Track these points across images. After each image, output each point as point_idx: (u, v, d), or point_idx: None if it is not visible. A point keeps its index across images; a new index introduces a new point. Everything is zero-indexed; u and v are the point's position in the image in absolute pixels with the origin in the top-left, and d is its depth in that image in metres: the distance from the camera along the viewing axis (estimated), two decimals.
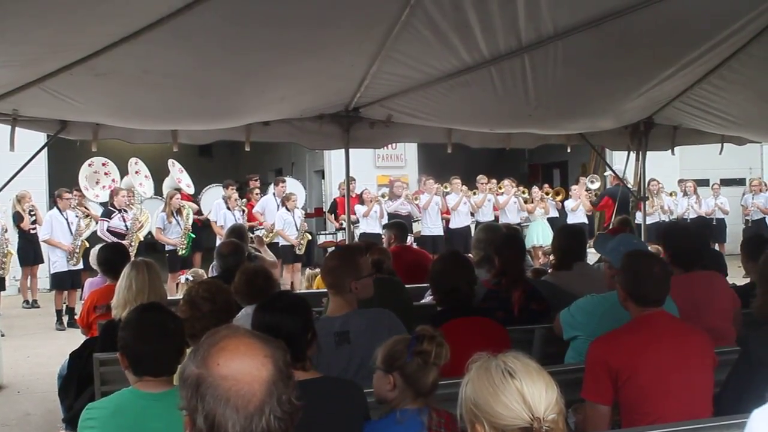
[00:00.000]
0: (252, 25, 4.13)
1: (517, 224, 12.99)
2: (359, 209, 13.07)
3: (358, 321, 3.47)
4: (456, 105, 6.16)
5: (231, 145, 15.32)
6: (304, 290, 8.18)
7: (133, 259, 5.16)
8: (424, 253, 8.36)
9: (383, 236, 8.02)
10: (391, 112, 6.60)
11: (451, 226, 13.90)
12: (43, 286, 12.64)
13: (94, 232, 10.89)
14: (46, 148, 7.18)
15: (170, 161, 13.19)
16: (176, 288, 9.93)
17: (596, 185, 15.31)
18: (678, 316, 3.53)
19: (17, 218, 11.00)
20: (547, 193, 15.06)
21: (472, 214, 14.13)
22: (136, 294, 4.15)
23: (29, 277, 11.71)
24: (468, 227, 13.78)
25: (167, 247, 11.37)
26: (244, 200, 12.83)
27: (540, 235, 14.13)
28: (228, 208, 12.02)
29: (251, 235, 9.95)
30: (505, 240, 5.06)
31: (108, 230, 10.60)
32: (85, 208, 11.41)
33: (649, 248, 5.18)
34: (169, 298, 4.97)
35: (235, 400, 1.47)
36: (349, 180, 8.26)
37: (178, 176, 13.50)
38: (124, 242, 9.74)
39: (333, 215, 14.56)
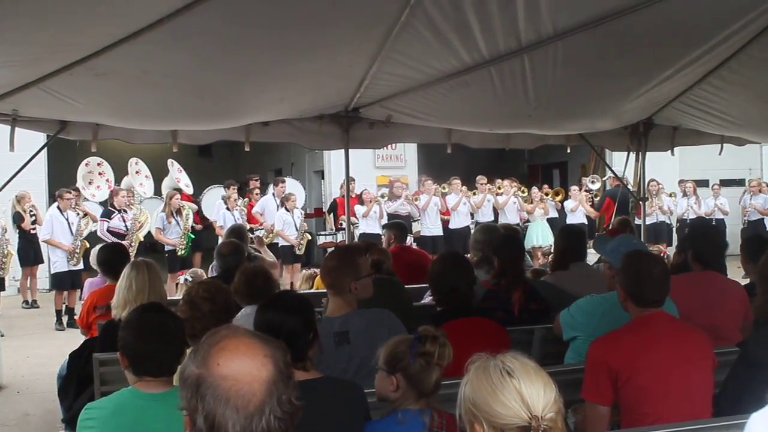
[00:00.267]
0: (251, 26, 4.13)
1: (516, 224, 12.99)
2: (359, 209, 13.07)
3: (358, 321, 3.48)
4: (456, 105, 6.17)
5: (231, 146, 15.34)
6: (300, 291, 8.17)
7: (133, 259, 5.16)
8: (424, 254, 8.35)
9: (383, 236, 8.02)
10: (391, 113, 6.60)
11: (451, 226, 13.90)
12: (43, 286, 12.65)
13: (94, 233, 10.88)
14: (45, 148, 7.17)
15: (169, 161, 13.19)
16: (176, 288, 9.90)
17: (597, 185, 15.30)
18: (677, 317, 3.54)
19: (17, 218, 10.99)
20: (547, 194, 15.06)
21: (472, 215, 14.12)
22: (136, 294, 4.15)
23: (29, 277, 11.69)
24: (468, 227, 13.78)
25: (167, 248, 11.37)
26: (246, 200, 12.83)
27: (540, 236, 14.14)
28: (227, 209, 12.02)
29: (251, 235, 9.96)
30: (504, 240, 5.07)
31: (108, 230, 10.60)
32: (80, 207, 11.40)
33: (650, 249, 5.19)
34: (168, 298, 4.96)
35: (235, 400, 1.47)
36: (349, 180, 8.26)
37: (177, 176, 13.50)
38: (124, 242, 9.74)
39: (332, 215, 14.56)
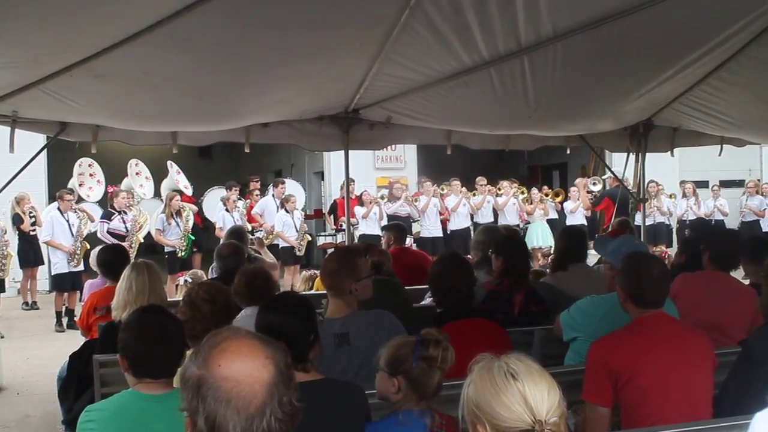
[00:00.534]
0: (251, 27, 4.13)
1: (516, 226, 12.99)
2: (358, 211, 13.07)
3: (358, 322, 3.48)
4: (455, 106, 6.17)
5: (230, 147, 15.33)
6: (299, 292, 8.17)
7: (133, 260, 5.16)
8: (424, 255, 8.36)
9: (382, 238, 8.02)
10: (391, 114, 6.60)
11: (451, 227, 13.90)
12: (43, 287, 12.65)
13: (94, 233, 10.89)
14: (45, 150, 7.18)
15: (168, 162, 13.19)
16: (175, 289, 9.91)
17: (598, 187, 15.30)
18: (677, 318, 3.54)
19: (17, 220, 10.99)
20: (547, 195, 15.05)
21: (472, 216, 14.12)
22: (136, 295, 4.15)
23: (29, 278, 11.69)
24: (468, 229, 13.78)
25: (166, 249, 11.38)
26: (246, 201, 12.83)
27: (539, 237, 14.14)
28: (226, 210, 12.03)
29: (251, 236, 9.96)
30: (509, 241, 5.07)
31: (108, 232, 10.60)
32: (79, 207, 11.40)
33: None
34: (168, 299, 4.96)
35: (236, 401, 1.47)
36: (349, 182, 8.26)
37: (176, 178, 13.50)
38: (124, 244, 9.73)
39: (332, 217, 14.57)
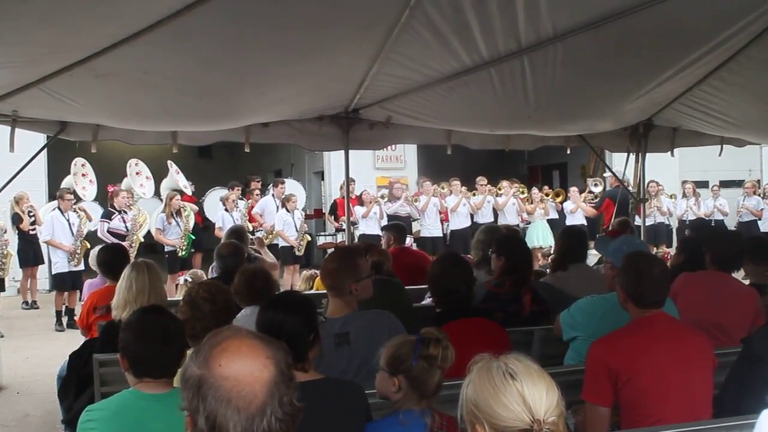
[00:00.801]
0: (251, 27, 4.13)
1: (516, 226, 12.99)
2: (358, 210, 13.08)
3: (358, 322, 3.48)
4: (455, 106, 6.17)
5: (230, 147, 15.34)
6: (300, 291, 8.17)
7: (133, 260, 5.16)
8: (424, 255, 8.36)
9: (382, 238, 8.03)
10: (391, 114, 6.60)
11: (451, 227, 13.90)
12: (43, 287, 12.65)
13: (94, 233, 10.89)
14: (45, 149, 7.18)
15: (168, 162, 13.18)
16: (176, 289, 9.92)
17: (599, 188, 15.29)
18: (677, 318, 3.54)
19: (16, 220, 11.00)
20: (547, 194, 15.05)
21: (472, 216, 14.12)
22: (137, 295, 4.15)
23: (29, 278, 11.70)
24: (468, 229, 13.78)
25: (167, 248, 11.38)
26: (248, 202, 12.83)
27: (540, 237, 14.14)
28: (226, 210, 12.03)
29: (251, 236, 9.96)
30: (510, 240, 5.07)
31: (108, 231, 10.61)
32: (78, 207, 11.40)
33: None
34: (168, 299, 4.96)
35: (237, 401, 1.47)
36: (349, 181, 8.26)
37: (176, 177, 13.50)
38: (124, 243, 9.73)
39: (332, 216, 14.57)
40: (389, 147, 11.79)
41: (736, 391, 3.11)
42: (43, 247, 11.01)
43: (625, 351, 2.98)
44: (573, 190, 15.16)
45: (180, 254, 11.25)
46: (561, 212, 14.97)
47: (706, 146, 8.55)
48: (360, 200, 13.41)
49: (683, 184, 15.58)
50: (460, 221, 13.90)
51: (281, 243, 12.38)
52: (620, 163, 9.70)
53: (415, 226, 13.81)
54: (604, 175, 15.57)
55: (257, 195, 13.37)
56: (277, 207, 12.74)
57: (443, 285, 3.87)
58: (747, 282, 4.88)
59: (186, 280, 6.84)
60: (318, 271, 7.55)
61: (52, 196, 12.23)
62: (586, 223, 14.09)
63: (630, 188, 9.72)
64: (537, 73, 5.31)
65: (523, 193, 14.96)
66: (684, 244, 5.79)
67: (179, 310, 3.40)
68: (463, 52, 4.90)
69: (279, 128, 6.75)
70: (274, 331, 2.56)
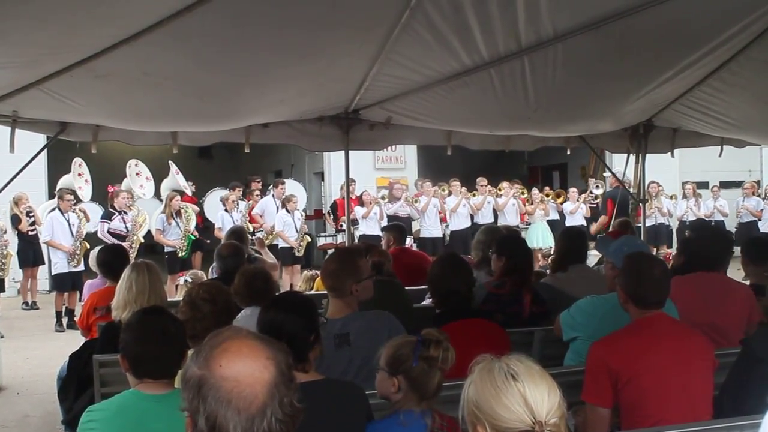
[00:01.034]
0: (251, 27, 4.13)
1: (516, 226, 12.99)
2: (359, 211, 13.08)
3: (358, 323, 3.48)
4: (456, 107, 6.17)
5: (231, 147, 15.31)
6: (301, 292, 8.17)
7: (133, 260, 5.16)
8: (424, 255, 8.36)
9: (382, 238, 8.02)
10: (391, 114, 6.60)
11: (451, 228, 13.90)
12: (43, 287, 12.65)
13: (94, 234, 10.89)
14: (45, 150, 7.18)
15: (169, 162, 13.18)
16: (175, 290, 9.92)
17: (601, 191, 15.28)
18: (678, 318, 3.54)
19: (15, 221, 11.01)
20: (548, 195, 15.04)
21: (472, 217, 14.12)
22: (137, 295, 4.14)
23: (29, 278, 11.69)
24: (467, 229, 13.78)
25: (167, 249, 11.38)
26: (249, 203, 12.83)
27: (540, 238, 14.13)
28: (225, 210, 12.04)
29: (252, 237, 9.96)
30: (511, 241, 5.07)
31: (108, 232, 10.60)
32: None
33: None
34: (168, 299, 4.96)
35: (237, 401, 1.47)
36: (349, 182, 8.26)
37: (176, 178, 13.49)
38: (124, 244, 9.73)
39: (332, 217, 14.57)
40: (389, 148, 11.80)
41: (735, 392, 3.11)
42: (44, 248, 11.00)
43: (625, 352, 2.98)
44: (572, 191, 15.15)
45: (180, 255, 11.25)
46: (562, 213, 14.96)
47: (706, 147, 8.55)
48: (360, 201, 13.42)
49: (684, 184, 15.58)
50: (460, 222, 13.89)
51: (281, 243, 12.38)
52: (620, 163, 9.70)
53: (414, 226, 13.82)
54: (604, 175, 15.55)
55: (257, 196, 13.38)
56: (277, 207, 12.74)
57: (443, 286, 3.87)
58: (747, 283, 4.89)
59: (186, 281, 6.84)
60: (318, 272, 7.56)
61: (52, 197, 12.22)
62: (585, 224, 14.09)
63: (630, 189, 9.73)
64: (537, 74, 5.30)
65: (523, 193, 14.96)
66: (684, 245, 5.79)
67: (179, 311, 3.40)
68: (464, 53, 4.90)
69: (279, 129, 6.75)
70: (275, 332, 2.56)
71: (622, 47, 4.96)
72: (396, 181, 14.77)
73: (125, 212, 10.88)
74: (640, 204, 9.02)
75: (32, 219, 11.08)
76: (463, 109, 6.29)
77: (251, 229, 11.56)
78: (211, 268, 7.07)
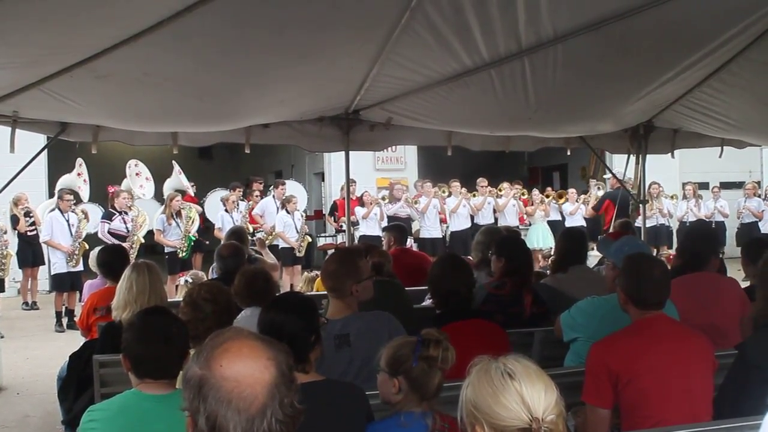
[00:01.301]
0: (252, 28, 4.13)
1: (516, 227, 12.99)
2: (359, 211, 13.09)
3: (358, 324, 3.48)
4: (456, 108, 6.17)
5: (231, 148, 15.33)
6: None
7: (133, 261, 5.16)
8: (424, 256, 8.36)
9: (383, 239, 8.02)
10: (391, 115, 6.60)
11: (451, 228, 13.89)
12: (43, 287, 12.65)
13: (94, 234, 10.89)
14: (46, 150, 7.18)
15: (173, 162, 13.16)
16: (176, 290, 9.92)
17: (602, 192, 15.27)
18: (678, 319, 3.54)
19: (15, 221, 11.01)
20: (548, 196, 15.02)
21: (472, 217, 14.11)
22: (137, 296, 4.14)
23: (29, 278, 11.70)
24: (468, 230, 13.78)
25: (167, 249, 11.38)
26: (249, 203, 12.83)
27: (540, 238, 14.11)
28: (226, 211, 12.04)
29: (252, 237, 9.96)
30: (510, 242, 5.07)
31: (109, 232, 10.60)
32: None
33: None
34: (168, 300, 4.96)
35: (237, 402, 1.47)
36: (349, 182, 8.25)
37: (180, 178, 13.48)
38: (124, 244, 9.74)
39: (332, 217, 14.58)
40: (389, 148, 11.81)
41: (732, 395, 3.11)
42: (44, 248, 11.01)
43: (625, 352, 2.98)
44: (571, 192, 15.13)
45: (180, 255, 11.25)
46: (563, 214, 14.95)
47: (707, 148, 8.55)
48: (361, 201, 13.42)
49: (684, 185, 15.57)
50: (460, 222, 13.89)
51: (281, 244, 12.38)
52: (621, 164, 9.70)
53: (414, 226, 13.82)
54: (605, 176, 15.55)
55: (257, 196, 13.38)
56: (278, 208, 12.74)
57: (443, 286, 3.87)
58: (747, 283, 4.89)
59: (186, 281, 6.84)
60: (317, 273, 7.56)
61: (52, 197, 12.22)
62: (585, 225, 14.09)
63: (630, 189, 9.73)
64: (537, 75, 5.31)
65: (524, 194, 14.95)
66: (684, 246, 5.78)
67: (180, 311, 3.40)
68: (464, 54, 4.90)
69: (279, 129, 6.75)
70: (275, 332, 2.56)
71: (622, 48, 4.96)
72: (396, 182, 14.77)
73: (126, 213, 10.87)
74: (641, 205, 9.02)
75: (31, 220, 11.08)
76: (463, 109, 6.29)
77: (250, 230, 11.56)
78: (211, 268, 7.07)
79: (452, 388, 2.32)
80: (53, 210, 10.90)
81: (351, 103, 6.38)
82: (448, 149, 7.65)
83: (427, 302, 5.34)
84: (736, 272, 6.98)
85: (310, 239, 12.95)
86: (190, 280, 6.59)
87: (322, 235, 15.60)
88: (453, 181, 14.14)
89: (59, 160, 12.83)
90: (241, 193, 12.74)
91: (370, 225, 13.19)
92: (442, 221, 13.90)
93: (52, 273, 10.63)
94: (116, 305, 4.22)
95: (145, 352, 2.67)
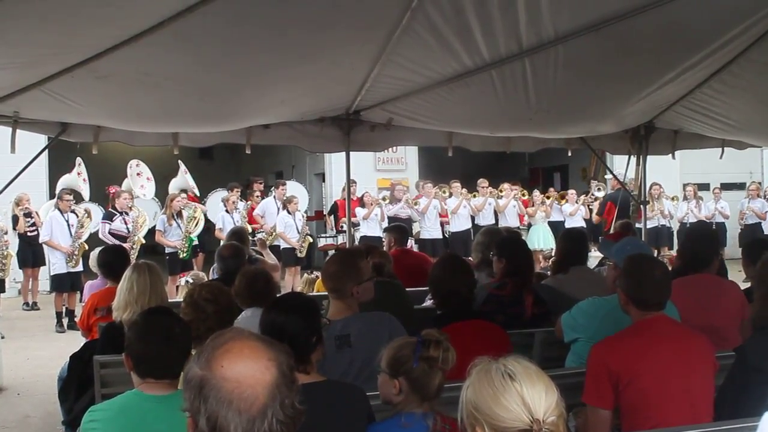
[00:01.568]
0: (252, 28, 4.14)
1: (516, 228, 12.99)
2: (359, 212, 13.09)
3: (359, 324, 3.47)
4: (457, 108, 6.17)
5: (231, 148, 15.33)
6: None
7: (134, 261, 5.16)
8: (425, 257, 8.36)
9: (384, 239, 8.02)
10: (392, 116, 6.60)
11: (451, 229, 13.89)
12: (44, 288, 12.65)
13: (95, 234, 10.89)
14: (46, 150, 7.18)
15: (179, 161, 13.14)
16: (176, 291, 9.93)
17: (602, 193, 15.26)
18: (679, 320, 3.54)
19: (15, 221, 11.02)
20: (548, 197, 15.01)
21: (473, 218, 14.11)
22: (137, 296, 4.14)
23: (30, 279, 11.70)
24: (468, 231, 13.77)
25: (167, 250, 11.38)
26: (248, 203, 12.82)
27: (541, 239, 14.10)
28: (226, 211, 12.04)
29: (253, 238, 9.96)
30: (511, 242, 5.07)
31: (109, 232, 10.60)
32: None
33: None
34: (169, 300, 4.96)
35: (238, 402, 1.47)
36: (350, 183, 8.25)
37: (186, 177, 13.47)
38: (125, 245, 9.74)
39: (333, 218, 14.57)
40: (390, 149, 11.82)
41: (732, 397, 3.10)
42: (45, 248, 11.01)
43: (626, 353, 2.98)
44: (571, 193, 15.12)
45: (181, 256, 11.25)
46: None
47: (707, 149, 8.55)
48: (361, 202, 13.42)
49: (684, 186, 15.57)
50: (460, 223, 13.89)
51: (282, 245, 12.38)
52: (621, 165, 9.70)
53: (415, 227, 13.81)
54: (606, 177, 15.54)
55: (257, 197, 13.37)
56: (278, 209, 12.75)
57: (444, 287, 3.87)
58: (748, 284, 4.88)
59: (187, 282, 6.85)
60: (317, 274, 7.56)
61: (52, 197, 12.22)
62: (585, 226, 14.09)
63: (631, 191, 9.72)
64: (538, 75, 5.31)
65: (524, 195, 14.94)
66: (684, 247, 5.78)
67: (181, 312, 3.40)
68: (465, 54, 4.90)
69: (280, 130, 6.75)
70: (277, 333, 2.57)
71: (623, 49, 4.96)
72: (397, 182, 14.77)
73: (126, 213, 10.87)
74: (641, 206, 9.01)
75: (32, 221, 11.08)
76: (464, 110, 6.29)
77: (249, 230, 11.56)
78: (212, 269, 7.07)
79: (453, 388, 2.32)
80: (54, 211, 10.90)
81: (352, 104, 6.38)
82: (449, 150, 7.65)
83: (428, 303, 5.34)
84: (737, 273, 6.98)
85: (311, 240, 12.95)
86: (191, 281, 6.60)
87: (323, 235, 15.60)
88: (454, 182, 14.14)
89: (60, 161, 12.84)
90: (239, 192, 12.73)
91: (371, 226, 13.20)
92: (443, 224, 13.88)
93: (52, 273, 10.63)
94: (117, 306, 4.22)
95: (146, 351, 2.67)
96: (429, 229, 13.58)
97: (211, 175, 18.39)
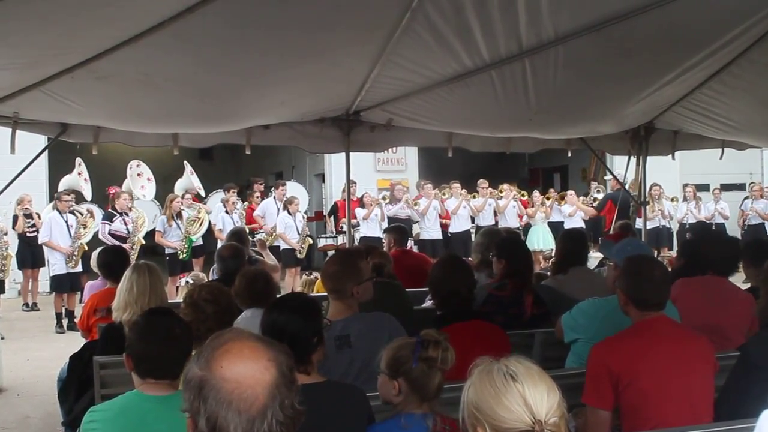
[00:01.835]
0: (253, 29, 4.14)
1: (516, 228, 12.99)
2: (359, 212, 13.09)
3: (359, 325, 3.47)
4: (457, 109, 6.17)
5: (232, 149, 15.34)
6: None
7: (134, 262, 5.16)
8: (425, 257, 8.35)
9: (383, 240, 8.02)
10: (392, 116, 6.61)
11: (451, 230, 13.88)
12: (44, 289, 12.64)
13: (95, 235, 10.89)
14: (46, 151, 7.18)
15: (184, 162, 13.13)
16: (176, 291, 9.93)
17: (602, 194, 15.25)
18: (678, 320, 3.54)
19: (15, 222, 11.02)
20: (548, 198, 15.01)
21: (473, 219, 14.10)
22: (137, 297, 4.13)
23: (29, 279, 11.69)
24: (468, 231, 13.76)
25: (167, 250, 11.37)
26: (245, 204, 12.82)
27: (541, 240, 14.09)
28: (226, 212, 12.03)
29: (253, 238, 9.95)
30: (511, 243, 5.07)
31: (110, 233, 10.60)
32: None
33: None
34: (169, 301, 4.96)
35: (238, 403, 1.47)
36: (350, 184, 8.25)
37: (191, 178, 13.46)
38: (125, 245, 9.73)
39: (333, 218, 14.56)
40: (390, 149, 11.81)
41: (734, 396, 3.10)
42: (45, 249, 11.01)
43: (625, 354, 2.98)
44: (570, 193, 15.11)
45: (181, 257, 11.25)
46: None
47: (707, 149, 8.55)
48: (361, 202, 13.42)
49: (684, 187, 15.56)
50: (460, 224, 13.89)
51: (282, 245, 12.38)
52: (621, 166, 9.70)
53: (414, 228, 13.81)
54: (605, 178, 15.53)
55: (257, 197, 13.37)
56: (278, 209, 12.75)
57: (444, 287, 3.87)
58: (748, 285, 4.88)
59: (187, 282, 6.85)
60: (317, 275, 7.56)
61: (52, 198, 12.23)
62: (584, 226, 14.08)
63: (630, 191, 9.72)
64: (538, 76, 5.31)
65: (523, 195, 14.94)
66: (685, 247, 5.78)
67: (181, 312, 3.40)
68: (465, 55, 4.90)
69: (280, 130, 6.75)
70: (277, 333, 2.57)
71: (623, 49, 4.96)
72: (397, 183, 14.77)
73: (126, 214, 10.87)
74: (642, 206, 9.02)
75: (31, 221, 11.08)
76: (464, 110, 6.30)
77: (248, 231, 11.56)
78: (211, 269, 7.07)
79: (453, 389, 2.32)
80: (53, 211, 10.91)
81: (352, 104, 6.38)
82: (449, 150, 7.65)
83: (428, 303, 5.34)
84: (737, 273, 6.96)
85: (311, 240, 12.95)
86: (191, 281, 6.60)
87: (323, 236, 15.61)
88: (454, 182, 14.13)
89: (60, 162, 12.84)
90: (236, 193, 12.73)
91: (371, 226, 13.20)
92: (444, 226, 13.85)
93: (51, 274, 10.63)
94: (117, 306, 4.22)
95: (147, 352, 2.67)
96: (429, 229, 13.58)
97: (211, 175, 18.38)
